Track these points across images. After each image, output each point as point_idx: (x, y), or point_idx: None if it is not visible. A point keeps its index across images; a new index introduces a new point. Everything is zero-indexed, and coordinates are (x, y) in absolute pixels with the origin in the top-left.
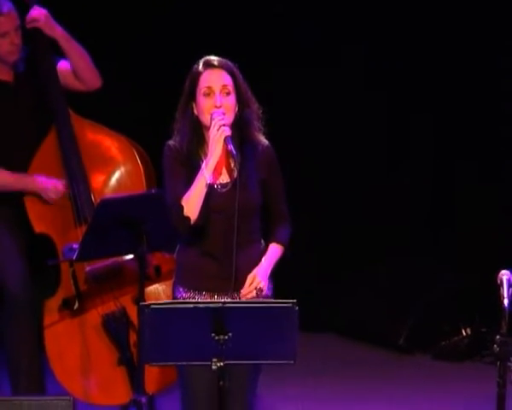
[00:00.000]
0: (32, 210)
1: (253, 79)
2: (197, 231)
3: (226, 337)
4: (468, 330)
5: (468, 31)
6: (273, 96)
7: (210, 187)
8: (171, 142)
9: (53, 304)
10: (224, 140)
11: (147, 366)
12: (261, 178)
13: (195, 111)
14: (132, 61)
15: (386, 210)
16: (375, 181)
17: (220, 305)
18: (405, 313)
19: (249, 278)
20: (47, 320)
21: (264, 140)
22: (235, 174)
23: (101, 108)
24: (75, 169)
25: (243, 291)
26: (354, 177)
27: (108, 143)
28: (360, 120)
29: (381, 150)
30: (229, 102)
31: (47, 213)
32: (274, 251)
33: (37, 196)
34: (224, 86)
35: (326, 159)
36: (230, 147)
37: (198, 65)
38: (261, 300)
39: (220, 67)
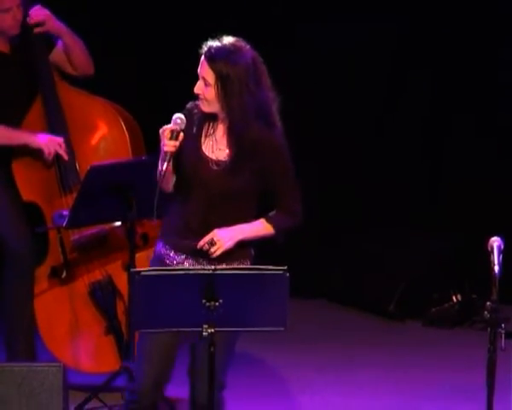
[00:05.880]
0: (20, 178)
1: None
2: (184, 200)
3: (217, 304)
4: (459, 297)
5: None
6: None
7: (205, 160)
8: (189, 104)
9: (41, 273)
10: (164, 154)
11: (136, 333)
12: (257, 168)
13: None
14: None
15: (377, 176)
16: (367, 145)
17: (211, 271)
18: (396, 279)
19: (212, 231)
20: (36, 289)
21: (267, 131)
22: (233, 157)
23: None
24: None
25: (201, 242)
26: (347, 140)
27: (94, 110)
28: (357, 80)
29: (375, 113)
30: (208, 94)
31: (34, 180)
32: (255, 224)
33: (25, 164)
34: (204, 78)
35: (318, 130)
36: (165, 166)
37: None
38: (252, 266)
39: (207, 58)
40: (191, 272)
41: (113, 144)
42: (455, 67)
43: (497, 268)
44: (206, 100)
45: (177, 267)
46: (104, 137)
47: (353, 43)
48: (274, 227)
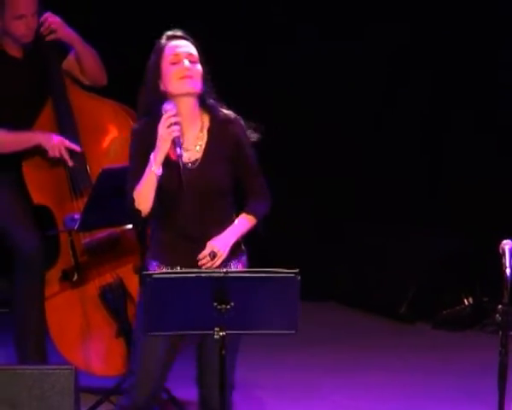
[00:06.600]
0: (31, 181)
1: None
2: (171, 209)
3: (228, 307)
4: (470, 300)
5: None
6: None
7: (181, 165)
8: (136, 126)
9: (53, 276)
10: (173, 142)
11: None
12: (229, 156)
13: (162, 86)
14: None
15: (384, 176)
16: (370, 144)
17: (222, 274)
18: (406, 281)
19: (207, 244)
20: (47, 292)
21: (231, 114)
22: (207, 151)
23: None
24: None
25: (200, 256)
26: (350, 139)
27: (104, 113)
28: (358, 75)
29: (373, 114)
30: (197, 69)
31: (45, 183)
32: (241, 221)
33: (36, 167)
34: (190, 54)
35: (319, 126)
36: (179, 151)
37: (161, 39)
38: (263, 269)
39: (184, 38)
40: (203, 274)
41: (123, 147)
42: (455, 65)
43: (508, 271)
44: (197, 76)
45: (188, 270)
46: (115, 139)
47: (353, 42)
48: (255, 217)
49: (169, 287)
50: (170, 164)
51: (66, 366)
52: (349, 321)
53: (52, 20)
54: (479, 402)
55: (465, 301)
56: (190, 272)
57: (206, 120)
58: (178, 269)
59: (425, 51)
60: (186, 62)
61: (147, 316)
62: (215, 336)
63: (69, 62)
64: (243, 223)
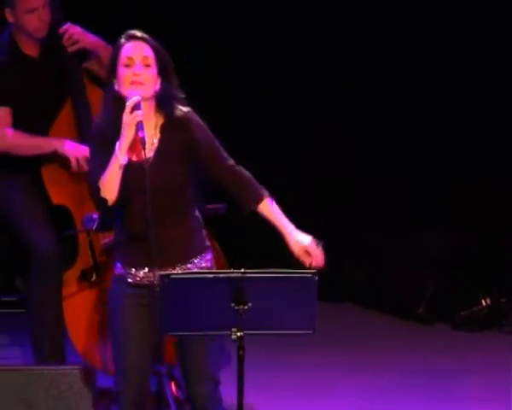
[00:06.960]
0: (49, 182)
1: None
2: (126, 210)
3: (245, 307)
4: (488, 300)
5: None
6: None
7: (137, 165)
8: (96, 121)
9: (71, 276)
10: (136, 126)
11: (166, 337)
12: (183, 153)
13: (116, 86)
14: None
15: (388, 175)
16: (381, 148)
17: (240, 275)
18: (425, 282)
19: (309, 242)
20: (65, 292)
21: (184, 109)
22: (159, 149)
23: None
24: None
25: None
26: (350, 139)
27: None
28: (358, 74)
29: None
30: (149, 74)
31: (64, 184)
32: (276, 210)
33: (55, 167)
34: (145, 57)
35: (319, 126)
36: (142, 134)
37: (120, 38)
38: (280, 270)
39: (141, 39)
40: (220, 275)
41: None
42: (456, 64)
43: None
44: (147, 81)
45: (206, 271)
46: None
47: (353, 41)
48: (268, 194)
49: (186, 287)
50: (132, 165)
51: (75, 366)
52: (366, 322)
53: (73, 30)
54: (497, 402)
55: (483, 301)
56: (208, 273)
57: (160, 118)
58: (141, 272)
59: (425, 51)
60: (137, 68)
61: (165, 316)
62: (232, 337)
63: (90, 62)
64: (275, 209)
